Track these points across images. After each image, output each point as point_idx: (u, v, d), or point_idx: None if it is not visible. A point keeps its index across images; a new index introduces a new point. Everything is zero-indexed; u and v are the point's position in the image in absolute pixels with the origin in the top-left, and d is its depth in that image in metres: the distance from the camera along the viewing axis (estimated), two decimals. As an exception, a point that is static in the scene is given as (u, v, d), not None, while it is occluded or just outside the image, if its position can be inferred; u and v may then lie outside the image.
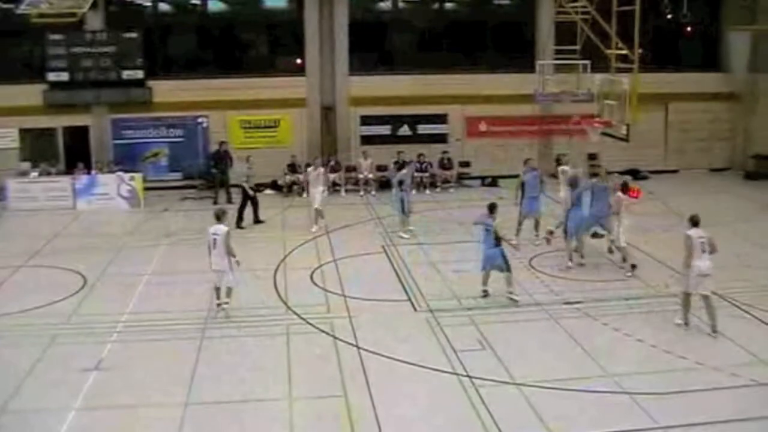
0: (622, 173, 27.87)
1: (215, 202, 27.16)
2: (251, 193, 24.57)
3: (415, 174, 29.45)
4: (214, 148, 29.55)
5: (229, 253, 16.13)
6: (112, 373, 13.58)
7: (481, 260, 17.18)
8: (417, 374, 13.45)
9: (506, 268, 16.86)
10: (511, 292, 16.88)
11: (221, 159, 28.36)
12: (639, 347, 14.42)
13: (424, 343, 14.74)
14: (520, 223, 21.62)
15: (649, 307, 16.31)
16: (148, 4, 31.59)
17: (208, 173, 29.55)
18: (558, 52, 27.38)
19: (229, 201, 26.95)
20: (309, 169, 24.51)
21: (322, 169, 24.16)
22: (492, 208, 17.18)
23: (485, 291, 17.09)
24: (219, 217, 16.39)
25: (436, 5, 33.13)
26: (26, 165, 29.08)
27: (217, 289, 16.35)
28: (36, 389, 13.06)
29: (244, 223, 23.98)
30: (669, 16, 30.79)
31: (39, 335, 15.23)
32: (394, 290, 17.96)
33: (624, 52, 24.08)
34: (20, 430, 11.74)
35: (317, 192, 23.49)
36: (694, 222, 15.06)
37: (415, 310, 16.69)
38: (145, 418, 12.00)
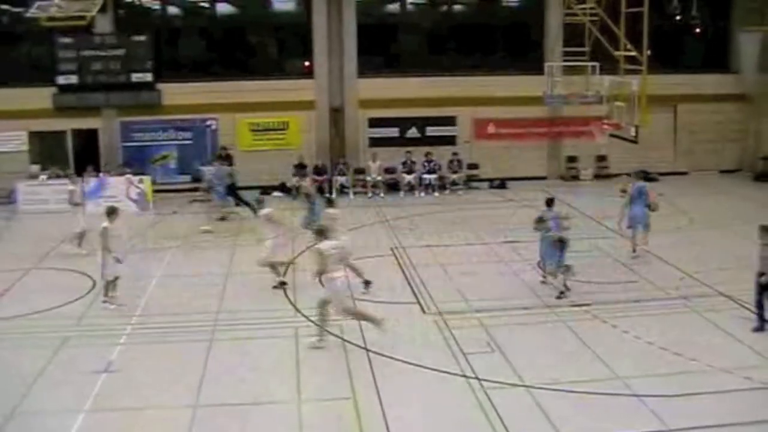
0: (631, 175, 27.86)
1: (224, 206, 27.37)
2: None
3: (424, 176, 29.56)
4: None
5: (104, 248, 16.88)
6: (122, 375, 13.61)
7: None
8: (426, 376, 13.45)
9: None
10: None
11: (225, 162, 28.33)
12: (648, 349, 14.38)
13: (432, 346, 14.74)
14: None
15: (658, 309, 16.27)
16: (157, 7, 31.71)
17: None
18: (566, 54, 27.41)
19: (238, 204, 27.13)
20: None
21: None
22: (549, 202, 18.12)
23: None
24: (109, 215, 17.14)
25: (444, 7, 33.16)
26: (36, 168, 29.18)
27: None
28: (46, 391, 13.10)
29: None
30: (678, 18, 30.67)
31: (49, 337, 15.28)
32: (403, 292, 17.97)
33: (633, 53, 24.06)
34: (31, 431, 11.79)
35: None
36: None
37: (424, 312, 16.69)
38: (153, 421, 12.02)
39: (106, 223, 17.05)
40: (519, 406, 12.28)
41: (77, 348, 14.91)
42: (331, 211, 18.94)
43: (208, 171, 27.24)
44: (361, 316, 15.22)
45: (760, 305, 15.09)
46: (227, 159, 28.34)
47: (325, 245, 14.75)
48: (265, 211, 18.73)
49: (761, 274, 14.95)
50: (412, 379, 13.39)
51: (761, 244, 15.13)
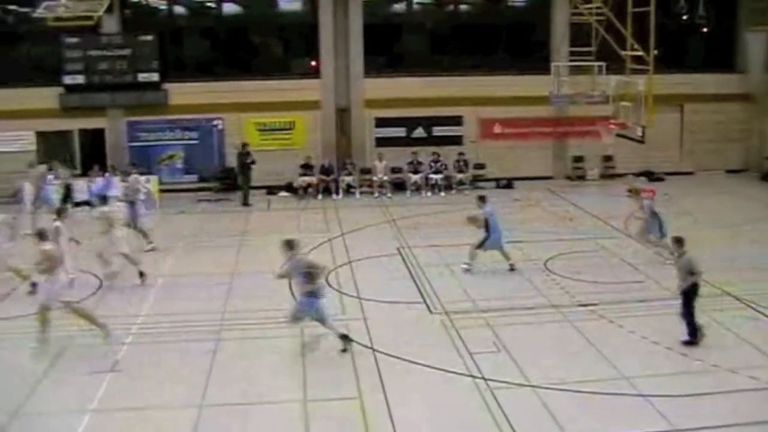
0: (637, 175, 27.85)
1: (245, 203, 27.49)
2: None
3: (430, 176, 29.57)
4: (230, 150, 29.90)
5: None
6: (127, 375, 13.61)
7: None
8: (432, 376, 13.43)
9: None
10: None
11: (244, 160, 28.59)
12: (654, 349, 14.36)
13: (439, 346, 14.72)
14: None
15: (664, 309, 16.21)
16: (164, 7, 31.78)
17: (225, 176, 29.93)
18: (573, 53, 27.43)
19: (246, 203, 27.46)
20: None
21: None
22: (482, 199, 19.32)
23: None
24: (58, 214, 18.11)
25: (450, 7, 33.15)
26: (42, 168, 29.19)
27: None
28: (50, 391, 13.11)
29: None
30: (684, 17, 30.62)
31: (54, 337, 15.26)
32: (409, 292, 17.96)
33: (639, 53, 24.03)
34: (36, 432, 11.80)
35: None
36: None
37: (430, 312, 16.67)
38: (159, 421, 12.02)
39: (58, 223, 17.75)
40: (525, 406, 12.26)
41: (83, 348, 14.91)
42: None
43: None
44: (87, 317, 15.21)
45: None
46: (247, 155, 28.52)
47: (46, 245, 15.12)
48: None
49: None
50: (418, 379, 13.37)
51: (676, 256, 15.04)
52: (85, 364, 14.00)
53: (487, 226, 19.08)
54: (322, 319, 14.30)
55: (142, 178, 28.01)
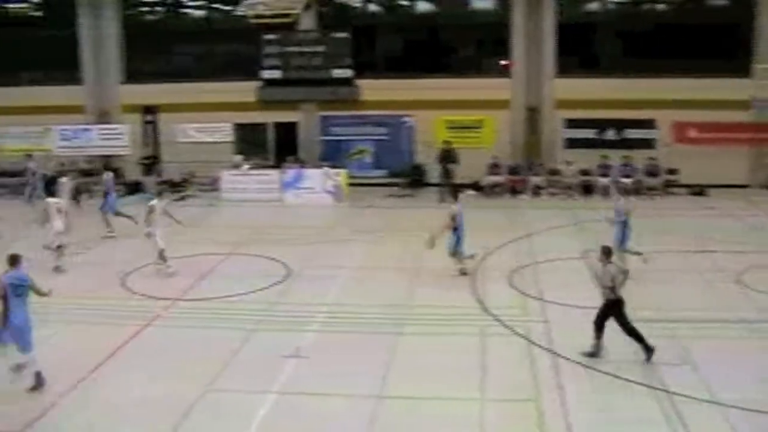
0: None
1: (443, 200, 27.74)
2: None
3: (620, 180, 28.74)
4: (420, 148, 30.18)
5: None
6: (310, 362, 13.88)
7: None
8: (612, 384, 12.95)
9: None
10: None
11: (447, 157, 28.69)
12: None
13: (621, 353, 14.17)
14: None
15: None
16: (358, 4, 32.35)
17: (414, 172, 30.27)
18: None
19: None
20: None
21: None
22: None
23: None
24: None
25: (646, 6, 32.04)
26: (239, 158, 30.44)
27: None
28: (238, 371, 13.57)
29: None
30: None
31: (244, 320, 15.86)
32: (593, 297, 17.40)
33: None
34: (222, 409, 12.19)
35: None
36: None
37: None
38: (338, 408, 12.19)
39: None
40: (708, 423, 11.59)
41: (269, 332, 15.39)
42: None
43: None
44: None
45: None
46: (450, 153, 28.74)
47: None
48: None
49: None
50: (598, 386, 12.92)
51: (602, 265, 14.06)
52: (272, 347, 14.42)
53: (456, 224, 18.82)
54: None
55: (332, 171, 28.78)
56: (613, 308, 13.92)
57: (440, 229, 18.93)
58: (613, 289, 13.89)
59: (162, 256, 19.25)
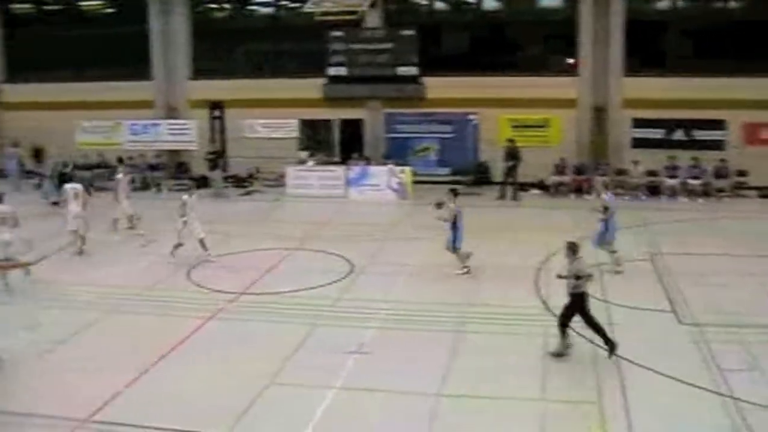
0: None
1: (502, 197, 27.79)
2: None
3: (688, 181, 28.32)
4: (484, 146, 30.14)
5: None
6: (371, 358, 13.95)
7: None
8: (676, 388, 12.72)
9: None
10: None
11: (513, 155, 28.60)
12: None
13: (686, 358, 13.93)
14: None
15: None
16: (425, 2, 32.34)
17: (478, 170, 30.26)
18: None
19: (503, 197, 27.57)
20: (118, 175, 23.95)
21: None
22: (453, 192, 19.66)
23: None
24: None
25: (719, 4, 31.38)
26: (304, 154, 30.71)
27: None
28: (300, 365, 13.69)
29: None
30: None
31: (307, 315, 16.01)
32: (659, 299, 17.22)
33: None
34: (283, 402, 12.32)
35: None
36: None
37: (679, 322, 15.87)
38: (397, 405, 12.20)
39: None
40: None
41: (332, 328, 15.49)
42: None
43: None
44: None
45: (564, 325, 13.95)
46: (513, 151, 28.65)
47: None
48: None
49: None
50: (661, 390, 12.69)
51: (569, 262, 13.85)
52: (334, 342, 14.52)
53: (455, 222, 19.02)
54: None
55: (397, 168, 28.85)
56: (578, 303, 13.85)
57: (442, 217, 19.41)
58: (578, 284, 13.78)
59: (203, 245, 20.22)
